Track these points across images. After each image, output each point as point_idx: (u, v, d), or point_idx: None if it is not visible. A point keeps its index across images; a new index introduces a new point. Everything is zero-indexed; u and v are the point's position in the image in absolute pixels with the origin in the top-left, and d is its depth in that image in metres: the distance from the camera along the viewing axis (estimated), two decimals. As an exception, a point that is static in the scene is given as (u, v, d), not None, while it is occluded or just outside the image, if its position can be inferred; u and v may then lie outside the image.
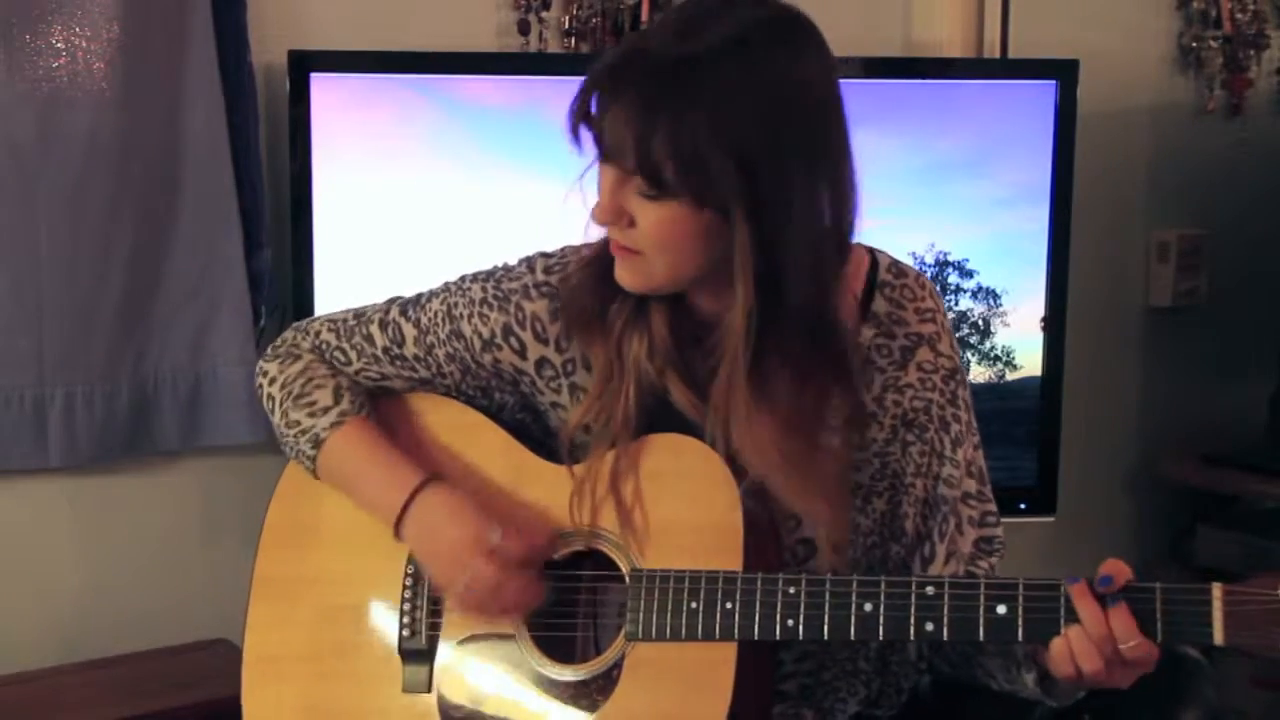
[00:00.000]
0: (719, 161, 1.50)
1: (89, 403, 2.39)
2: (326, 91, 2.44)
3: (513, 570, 1.65)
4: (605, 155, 1.57)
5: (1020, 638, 1.54)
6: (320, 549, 1.79)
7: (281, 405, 1.78)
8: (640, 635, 1.62)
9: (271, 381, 1.80)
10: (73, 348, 2.37)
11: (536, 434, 1.77)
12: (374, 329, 1.79)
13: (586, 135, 1.57)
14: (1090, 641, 1.50)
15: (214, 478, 2.55)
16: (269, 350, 1.85)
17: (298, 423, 1.76)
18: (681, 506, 1.63)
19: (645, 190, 1.56)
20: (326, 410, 1.75)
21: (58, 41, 2.30)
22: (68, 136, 2.32)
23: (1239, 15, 3.26)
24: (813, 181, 1.55)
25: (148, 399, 2.45)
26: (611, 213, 1.59)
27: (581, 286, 1.69)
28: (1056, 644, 1.52)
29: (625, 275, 1.63)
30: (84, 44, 2.31)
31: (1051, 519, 2.85)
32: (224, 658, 2.31)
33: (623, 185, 1.57)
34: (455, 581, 1.67)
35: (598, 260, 1.67)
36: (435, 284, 1.80)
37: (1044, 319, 2.78)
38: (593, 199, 1.61)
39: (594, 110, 1.56)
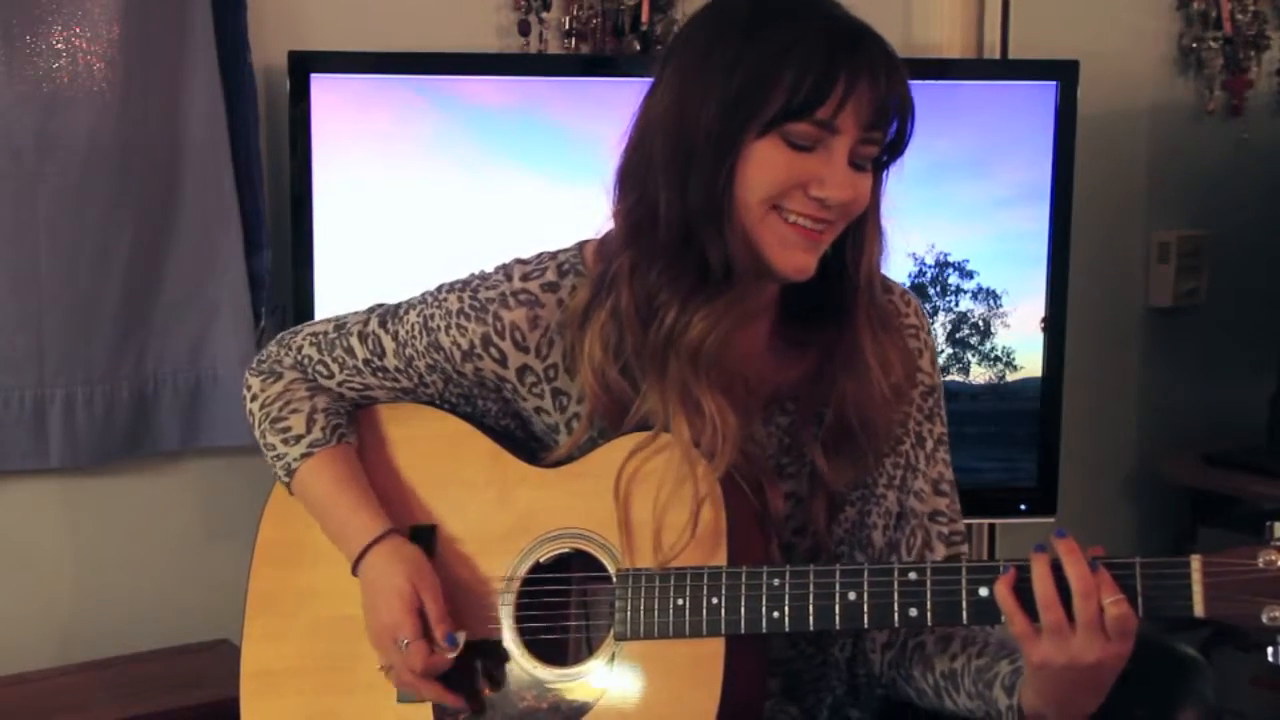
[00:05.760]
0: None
1: (89, 403, 2.40)
2: (326, 92, 2.44)
3: (429, 673, 1.67)
4: (872, 125, 1.56)
5: (1003, 619, 1.52)
6: (314, 563, 1.79)
7: (260, 426, 1.80)
8: (629, 634, 1.62)
9: (253, 398, 1.82)
10: (73, 348, 2.38)
11: (521, 438, 1.77)
12: (354, 341, 1.77)
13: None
14: (1078, 594, 1.46)
15: (214, 478, 2.56)
16: (254, 363, 1.85)
17: (273, 446, 1.78)
18: (666, 504, 1.62)
19: (866, 159, 1.58)
20: (299, 439, 1.76)
21: (58, 42, 2.31)
22: (68, 137, 2.32)
23: (1239, 16, 3.27)
24: None
25: (148, 399, 2.46)
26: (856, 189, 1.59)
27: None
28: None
29: (812, 260, 1.61)
30: (84, 44, 2.32)
31: (1052, 519, 2.84)
32: (224, 658, 2.31)
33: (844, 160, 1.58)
34: (382, 660, 1.72)
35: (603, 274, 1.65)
36: (415, 293, 1.78)
37: (1044, 319, 2.78)
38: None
39: (860, 85, 1.54)
